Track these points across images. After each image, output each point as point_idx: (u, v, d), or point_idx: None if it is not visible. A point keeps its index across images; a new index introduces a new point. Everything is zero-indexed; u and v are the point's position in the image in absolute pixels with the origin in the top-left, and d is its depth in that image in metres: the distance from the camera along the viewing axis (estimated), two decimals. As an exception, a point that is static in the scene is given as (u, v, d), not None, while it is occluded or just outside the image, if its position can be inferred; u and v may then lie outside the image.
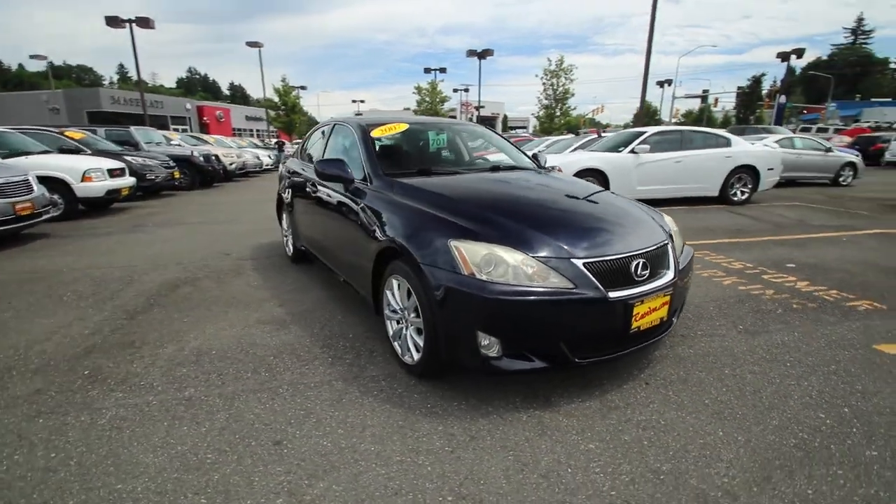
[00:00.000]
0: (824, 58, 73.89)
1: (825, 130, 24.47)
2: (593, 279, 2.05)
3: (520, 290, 1.97)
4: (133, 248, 5.54)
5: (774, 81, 72.20)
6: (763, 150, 8.92)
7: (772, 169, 8.75)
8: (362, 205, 2.86)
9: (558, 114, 27.09)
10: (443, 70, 34.90)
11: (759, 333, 2.98)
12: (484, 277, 2.01)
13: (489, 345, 2.04)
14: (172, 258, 5.01)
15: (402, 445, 1.92)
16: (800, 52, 26.11)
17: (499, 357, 2.05)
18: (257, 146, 23.97)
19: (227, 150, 16.21)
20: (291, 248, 4.69)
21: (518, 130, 52.91)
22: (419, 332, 2.33)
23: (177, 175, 11.10)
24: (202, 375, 2.51)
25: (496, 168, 3.45)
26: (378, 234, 2.58)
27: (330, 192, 3.35)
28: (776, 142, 11.48)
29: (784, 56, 26.77)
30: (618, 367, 2.51)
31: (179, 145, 14.45)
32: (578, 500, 1.61)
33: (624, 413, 2.12)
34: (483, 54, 29.82)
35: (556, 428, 2.02)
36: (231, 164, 15.08)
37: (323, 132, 4.15)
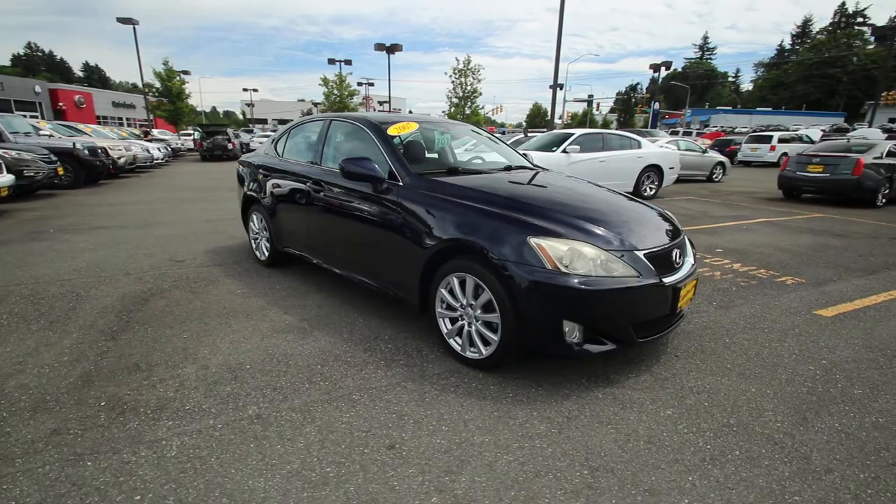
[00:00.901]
0: (679, 70, 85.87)
1: (689, 134, 28.68)
2: (652, 268, 2.34)
3: (600, 281, 2.18)
4: (52, 259, 4.69)
5: (642, 89, 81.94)
6: (666, 151, 10.30)
7: (672, 168, 10.15)
8: (397, 204, 2.84)
9: (468, 112, 28.01)
10: (348, 62, 33.95)
11: (730, 307, 3.58)
12: (567, 271, 2.18)
13: (571, 331, 2.22)
14: (114, 269, 4.36)
15: (512, 433, 2.02)
16: (668, 65, 30.19)
17: (580, 343, 2.24)
18: (140, 137, 21.17)
19: (113, 142, 14.13)
20: (266, 251, 4.38)
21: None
22: (488, 326, 2.42)
23: (61, 171, 9.46)
24: (255, 391, 2.33)
25: (508, 168, 3.62)
26: (433, 232, 2.60)
27: (347, 193, 3.24)
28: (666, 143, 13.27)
29: (655, 67, 30.77)
30: (645, 345, 2.86)
31: (51, 136, 12.26)
32: (686, 457, 1.87)
33: (675, 382, 2.46)
34: (392, 49, 29.64)
35: (632, 401, 2.28)
36: (120, 157, 13.18)
37: (314, 129, 3.94)
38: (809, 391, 2.39)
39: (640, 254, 2.35)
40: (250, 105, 66.01)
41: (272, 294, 3.77)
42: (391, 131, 3.29)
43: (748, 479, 1.76)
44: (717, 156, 14.21)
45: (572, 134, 9.37)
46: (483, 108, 28.82)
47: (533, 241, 2.25)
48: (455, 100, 28.19)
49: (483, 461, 1.84)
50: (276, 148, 4.34)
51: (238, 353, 2.74)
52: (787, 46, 75.47)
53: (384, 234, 2.95)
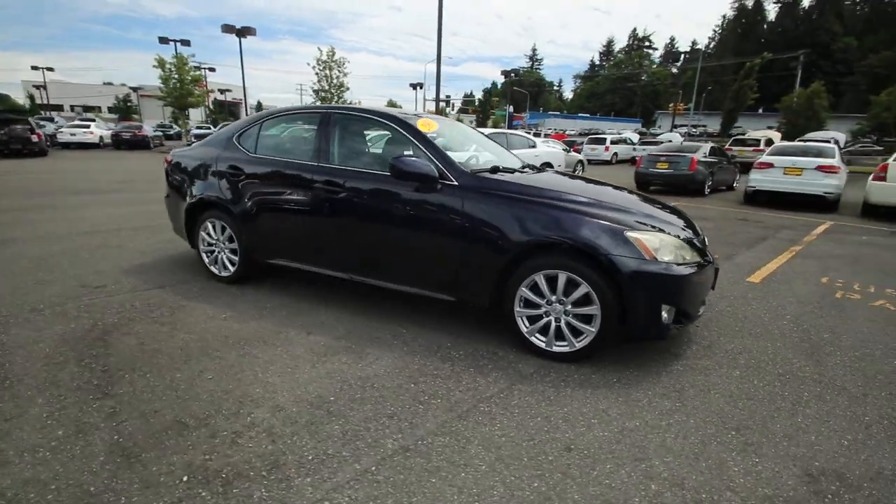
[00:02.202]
0: (515, 77, 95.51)
1: (539, 135, 32.25)
2: (706, 252, 2.72)
3: (688, 266, 2.47)
4: None
5: (489, 93, 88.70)
6: (554, 150, 11.53)
7: (560, 165, 11.42)
8: (457, 204, 2.73)
9: (335, 107, 26.90)
10: (186, 42, 29.51)
11: (692, 282, 4.29)
12: (662, 260, 2.41)
13: (666, 315, 2.46)
14: (10, 306, 3.23)
15: (650, 413, 2.17)
16: (516, 72, 33.38)
17: (669, 324, 2.50)
18: None
19: None
20: (231, 265, 3.72)
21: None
22: (582, 318, 2.52)
23: None
24: (371, 424, 2.04)
25: (529, 166, 3.72)
26: (513, 232, 2.57)
27: (383, 194, 2.96)
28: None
29: (507, 74, 33.86)
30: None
31: None
32: (785, 404, 2.27)
33: (720, 347, 2.90)
34: (243, 32, 26.71)
35: (705, 368, 2.62)
36: None
37: (306, 122, 3.45)
38: (801, 339, 3.07)
39: (696, 241, 2.72)
40: (40, 88, 52.62)
41: (271, 314, 3.24)
42: (421, 129, 3.10)
43: (831, 413, 2.22)
44: (577, 154, 16.35)
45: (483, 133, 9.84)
46: (351, 103, 27.98)
47: (630, 235, 2.43)
48: (323, 93, 26.79)
49: (654, 442, 1.96)
50: (239, 143, 3.68)
51: (303, 386, 2.34)
52: (597, 62, 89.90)
53: (441, 236, 2.80)
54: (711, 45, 74.24)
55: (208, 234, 3.80)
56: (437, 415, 2.12)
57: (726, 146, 18.35)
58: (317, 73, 26.56)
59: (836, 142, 17.45)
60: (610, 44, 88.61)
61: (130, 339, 2.80)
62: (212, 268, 3.88)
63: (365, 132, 3.33)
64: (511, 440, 1.95)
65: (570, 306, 2.54)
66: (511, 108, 34.76)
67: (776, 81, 52.49)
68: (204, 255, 3.89)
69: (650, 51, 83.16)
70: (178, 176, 4.00)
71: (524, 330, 2.69)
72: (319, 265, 3.36)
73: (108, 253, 4.64)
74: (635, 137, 28.28)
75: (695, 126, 44.78)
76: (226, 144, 3.74)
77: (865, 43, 57.79)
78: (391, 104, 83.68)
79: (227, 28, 26.53)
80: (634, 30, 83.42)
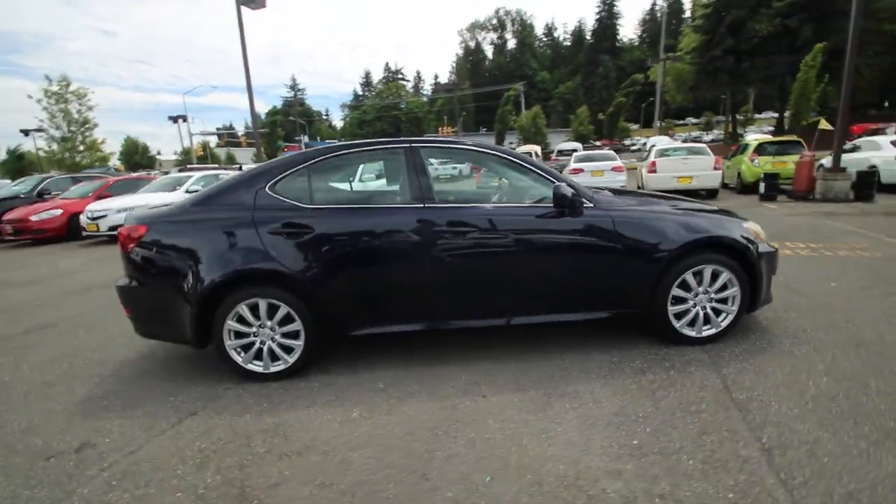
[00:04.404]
0: (279, 106, 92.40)
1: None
2: None
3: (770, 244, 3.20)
4: None
5: (274, 123, 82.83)
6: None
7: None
8: (607, 224, 2.85)
9: (81, 148, 20.91)
10: None
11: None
12: (766, 241, 3.08)
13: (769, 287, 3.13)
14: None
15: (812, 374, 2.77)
16: (301, 102, 32.44)
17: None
18: None
19: None
20: (288, 352, 2.84)
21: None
22: (722, 301, 2.98)
23: None
24: (668, 469, 2.02)
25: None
26: (667, 239, 2.84)
27: (529, 226, 2.81)
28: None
29: (290, 103, 32.55)
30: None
31: None
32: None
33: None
34: None
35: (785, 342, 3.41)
36: None
37: (383, 160, 2.88)
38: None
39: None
40: None
41: (405, 395, 2.65)
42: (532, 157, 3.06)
43: None
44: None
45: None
46: (104, 141, 22.32)
47: (745, 225, 3.01)
48: (56, 132, 20.55)
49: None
50: (280, 195, 2.82)
51: (579, 447, 2.09)
52: (360, 92, 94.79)
53: (597, 257, 2.87)
54: (452, 78, 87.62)
55: (243, 323, 2.78)
56: (723, 445, 2.23)
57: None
58: (46, 109, 20.18)
59: (576, 150, 23.06)
60: (368, 76, 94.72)
61: (283, 492, 1.92)
62: (250, 366, 2.85)
63: (462, 165, 3.04)
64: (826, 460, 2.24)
65: (713, 294, 2.96)
66: (306, 139, 33.48)
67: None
68: (234, 353, 2.82)
69: (404, 82, 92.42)
70: (165, 254, 2.78)
71: (675, 325, 2.99)
72: (435, 319, 2.91)
73: (40, 394, 2.83)
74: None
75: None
76: (256, 199, 2.82)
77: (555, 76, 77.87)
78: (131, 143, 69.10)
79: None
80: (387, 64, 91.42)
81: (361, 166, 3.24)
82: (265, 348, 2.84)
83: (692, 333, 3.01)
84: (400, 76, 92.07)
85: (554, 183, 2.91)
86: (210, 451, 2.22)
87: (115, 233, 9.52)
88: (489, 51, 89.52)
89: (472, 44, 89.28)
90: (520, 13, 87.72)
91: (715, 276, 2.94)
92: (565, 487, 1.84)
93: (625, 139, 53.54)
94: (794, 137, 12.22)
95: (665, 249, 2.86)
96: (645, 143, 37.83)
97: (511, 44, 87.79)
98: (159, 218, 2.85)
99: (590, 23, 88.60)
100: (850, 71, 9.14)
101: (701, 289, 2.96)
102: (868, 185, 9.11)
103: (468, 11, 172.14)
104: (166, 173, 16.84)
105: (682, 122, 68.90)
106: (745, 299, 2.98)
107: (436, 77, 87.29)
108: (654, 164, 11.43)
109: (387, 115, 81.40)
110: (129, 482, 2.03)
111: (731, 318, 3.02)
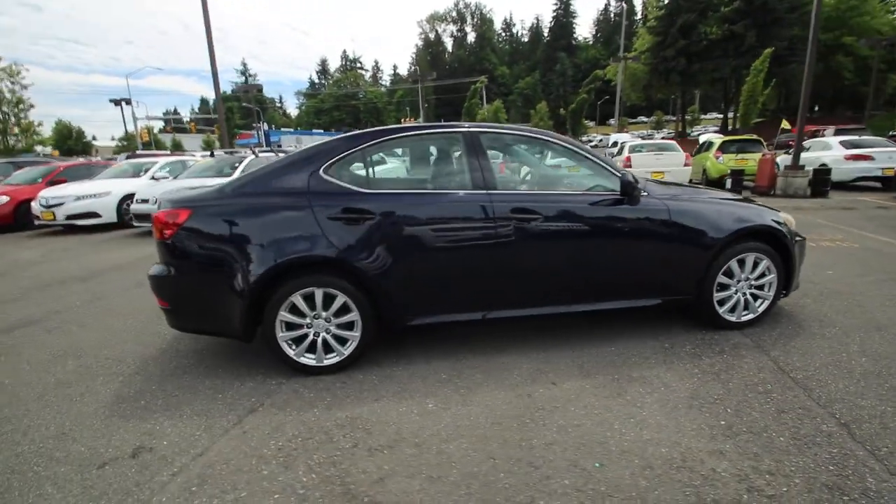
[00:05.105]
0: (229, 92, 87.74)
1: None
2: None
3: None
4: None
5: (193, 110, 78.45)
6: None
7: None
8: (665, 213, 2.91)
9: (16, 130, 18.90)
10: None
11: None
12: (797, 231, 3.26)
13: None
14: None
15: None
16: (260, 88, 30.96)
17: (794, 285, 3.38)
18: None
19: None
20: (343, 343, 2.71)
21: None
22: (761, 287, 3.13)
23: None
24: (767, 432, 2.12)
25: None
26: (715, 228, 2.94)
27: (592, 214, 2.83)
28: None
29: (244, 89, 31.05)
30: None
31: None
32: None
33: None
34: None
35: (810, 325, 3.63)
36: None
37: (439, 145, 2.76)
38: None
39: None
40: None
41: (473, 384, 2.60)
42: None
43: None
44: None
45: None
46: (41, 124, 20.30)
47: (781, 215, 3.17)
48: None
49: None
50: (335, 178, 2.66)
51: (635, 438, 2.14)
52: (316, 80, 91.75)
53: (654, 245, 2.93)
54: (412, 69, 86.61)
55: (296, 314, 2.62)
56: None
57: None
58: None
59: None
60: (324, 63, 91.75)
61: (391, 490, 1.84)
62: (302, 359, 2.70)
63: (525, 152, 2.99)
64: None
65: (753, 279, 3.11)
66: (266, 127, 32.05)
67: (463, 100, 65.92)
68: (285, 346, 2.66)
69: (362, 71, 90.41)
70: (212, 241, 2.56)
71: (719, 311, 3.11)
72: (494, 308, 2.86)
73: (59, 395, 2.50)
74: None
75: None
76: (311, 182, 2.65)
77: (514, 71, 78.79)
78: (63, 127, 63.48)
79: None
80: (345, 52, 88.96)
81: (412, 150, 3.11)
82: (319, 340, 2.69)
83: (732, 318, 3.14)
84: (358, 65, 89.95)
85: (608, 169, 2.94)
86: (291, 448, 2.08)
87: (73, 222, 8.78)
88: (449, 43, 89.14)
89: (431, 35, 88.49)
90: (479, 7, 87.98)
91: (756, 264, 3.09)
92: (676, 469, 1.87)
93: (581, 136, 55.28)
94: (754, 136, 13.02)
95: (716, 238, 2.96)
96: (601, 140, 39.22)
97: (471, 37, 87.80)
98: (204, 201, 2.62)
99: (547, 20, 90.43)
100: (809, 77, 9.86)
101: (743, 275, 3.09)
102: (823, 182, 9.90)
103: (427, 2, 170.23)
104: (119, 159, 15.48)
105: (634, 120, 71.94)
106: (780, 285, 3.15)
107: (395, 68, 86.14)
108: (628, 158, 11.84)
109: (345, 104, 79.42)
110: (213, 486, 1.86)
111: (767, 303, 3.18)
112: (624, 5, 51.89)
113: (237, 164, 9.42)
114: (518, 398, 2.44)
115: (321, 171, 2.68)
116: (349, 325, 2.72)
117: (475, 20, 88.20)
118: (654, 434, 2.10)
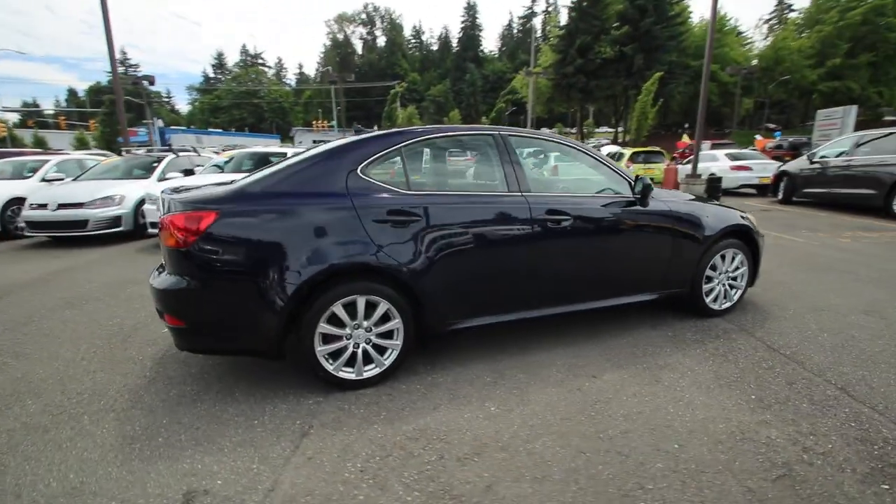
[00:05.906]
0: (105, 83, 77.24)
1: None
2: None
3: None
4: None
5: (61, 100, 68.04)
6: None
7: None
8: (670, 211, 3.22)
9: None
10: None
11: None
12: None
13: (755, 263, 3.86)
14: None
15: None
16: (151, 80, 27.64)
17: (753, 268, 3.91)
18: None
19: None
20: (382, 353, 2.60)
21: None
22: (735, 279, 3.58)
23: None
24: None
25: None
26: (705, 226, 3.32)
27: (612, 215, 3.02)
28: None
29: (138, 80, 27.67)
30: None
31: None
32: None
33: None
34: None
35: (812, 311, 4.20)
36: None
37: (469, 147, 2.74)
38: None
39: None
40: None
41: (517, 385, 2.64)
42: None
43: None
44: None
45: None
46: None
47: (747, 215, 3.66)
48: None
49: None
50: (373, 178, 2.53)
51: (693, 418, 2.39)
52: (212, 75, 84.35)
53: (658, 242, 3.21)
54: (319, 69, 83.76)
55: (335, 325, 2.45)
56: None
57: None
58: None
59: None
60: (221, 57, 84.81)
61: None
62: (341, 373, 2.52)
63: (566, 159, 3.08)
64: None
65: (730, 272, 3.55)
66: (161, 122, 28.57)
67: (378, 104, 65.38)
68: (324, 361, 2.46)
69: (265, 68, 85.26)
70: (241, 249, 2.28)
71: (706, 301, 3.50)
72: (529, 308, 2.93)
73: (49, 441, 1.97)
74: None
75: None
76: (349, 182, 2.48)
77: (425, 78, 79.85)
78: None
79: None
80: (244, 45, 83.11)
81: (448, 151, 3.07)
82: (359, 352, 2.53)
83: (715, 307, 3.56)
84: (260, 61, 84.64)
85: (620, 174, 3.18)
86: (374, 469, 1.94)
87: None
88: (359, 46, 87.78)
89: (340, 36, 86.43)
90: (388, 11, 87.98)
91: (733, 258, 3.53)
92: (741, 441, 2.09)
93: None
94: (657, 148, 14.76)
95: (707, 235, 3.34)
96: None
97: (381, 41, 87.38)
98: (232, 203, 2.32)
99: (454, 30, 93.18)
100: (705, 97, 11.46)
101: (724, 268, 3.52)
102: (716, 188, 11.51)
103: (332, 3, 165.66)
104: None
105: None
106: (751, 277, 3.64)
107: (300, 66, 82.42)
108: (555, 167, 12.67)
109: (246, 101, 74.14)
110: (309, 521, 1.67)
111: (740, 292, 3.65)
112: (534, 23, 55.34)
113: (155, 164, 8.46)
114: (570, 393, 2.53)
115: (359, 170, 2.54)
116: (389, 334, 2.59)
117: (385, 24, 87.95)
118: (706, 413, 2.31)
